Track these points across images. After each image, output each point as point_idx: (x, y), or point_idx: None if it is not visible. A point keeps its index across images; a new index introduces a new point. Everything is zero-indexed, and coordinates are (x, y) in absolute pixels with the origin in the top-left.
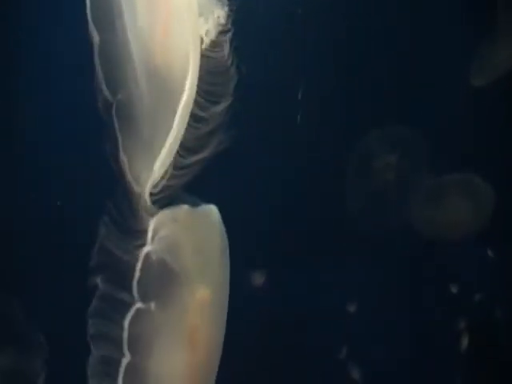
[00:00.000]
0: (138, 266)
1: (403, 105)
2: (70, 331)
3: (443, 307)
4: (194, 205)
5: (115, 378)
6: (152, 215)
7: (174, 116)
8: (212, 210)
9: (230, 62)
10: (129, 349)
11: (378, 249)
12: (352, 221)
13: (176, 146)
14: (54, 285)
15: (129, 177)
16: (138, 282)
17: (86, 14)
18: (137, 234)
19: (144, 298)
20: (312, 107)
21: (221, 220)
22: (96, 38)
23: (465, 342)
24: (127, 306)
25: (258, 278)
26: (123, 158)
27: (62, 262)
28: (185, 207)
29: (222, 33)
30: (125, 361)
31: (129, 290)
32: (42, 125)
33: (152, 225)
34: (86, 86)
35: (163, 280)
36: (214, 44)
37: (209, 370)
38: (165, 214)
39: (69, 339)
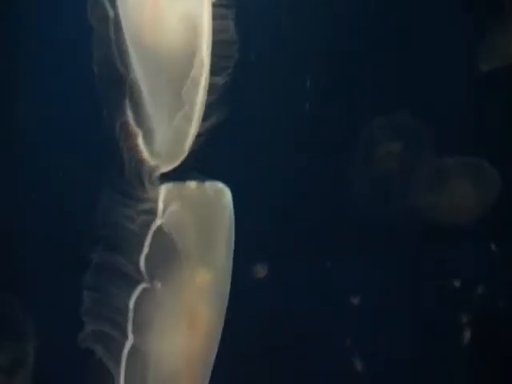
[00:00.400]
0: (147, 240)
1: (408, 90)
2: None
3: (445, 301)
4: (206, 184)
5: (116, 358)
6: (163, 190)
7: (191, 87)
8: (224, 190)
9: (232, 35)
10: (133, 330)
11: (380, 241)
12: (355, 210)
13: (200, 117)
14: (50, 281)
15: (143, 150)
16: (146, 258)
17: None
18: (145, 208)
19: (150, 276)
20: (314, 94)
21: (231, 203)
22: (110, 12)
23: (467, 335)
24: (132, 283)
25: (260, 272)
26: (137, 131)
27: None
28: (197, 184)
29: (224, 6)
30: (128, 343)
31: (135, 266)
32: (43, 108)
33: (162, 199)
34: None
35: (167, 258)
36: (217, 16)
37: (207, 355)
38: (176, 189)
39: (65, 335)
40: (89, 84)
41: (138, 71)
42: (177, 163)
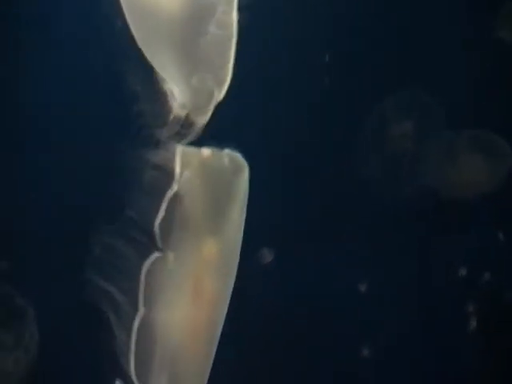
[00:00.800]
0: (163, 205)
1: (419, 66)
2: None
3: (454, 287)
4: (225, 153)
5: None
6: (179, 152)
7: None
8: (243, 164)
9: None
10: (144, 301)
11: (391, 223)
12: (366, 188)
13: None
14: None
15: (172, 101)
16: (160, 224)
17: None
18: (161, 171)
19: (162, 243)
20: (327, 71)
21: (248, 178)
22: None
23: (476, 323)
24: (144, 251)
25: (266, 257)
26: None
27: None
28: (215, 152)
29: None
30: (139, 313)
31: (149, 231)
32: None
33: (179, 162)
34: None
35: (178, 225)
36: None
37: (212, 329)
38: (193, 153)
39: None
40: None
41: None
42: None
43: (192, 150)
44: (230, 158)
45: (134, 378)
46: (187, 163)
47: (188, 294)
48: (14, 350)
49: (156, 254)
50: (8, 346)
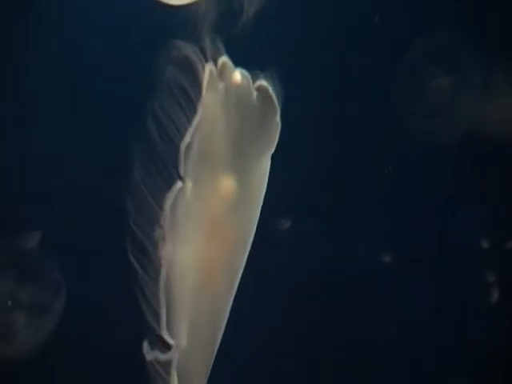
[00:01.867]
0: (190, 130)
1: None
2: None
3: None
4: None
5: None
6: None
7: None
8: (276, 105)
9: None
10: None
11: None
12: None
13: None
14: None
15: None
16: (186, 151)
17: None
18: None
19: (184, 171)
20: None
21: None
22: None
23: (495, 294)
24: (169, 180)
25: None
26: None
27: None
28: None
29: None
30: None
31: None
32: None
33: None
34: None
35: (198, 153)
36: None
37: (229, 272)
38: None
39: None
40: None
41: None
42: None
43: (226, 67)
44: (265, 94)
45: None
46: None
47: (203, 231)
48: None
49: (179, 185)
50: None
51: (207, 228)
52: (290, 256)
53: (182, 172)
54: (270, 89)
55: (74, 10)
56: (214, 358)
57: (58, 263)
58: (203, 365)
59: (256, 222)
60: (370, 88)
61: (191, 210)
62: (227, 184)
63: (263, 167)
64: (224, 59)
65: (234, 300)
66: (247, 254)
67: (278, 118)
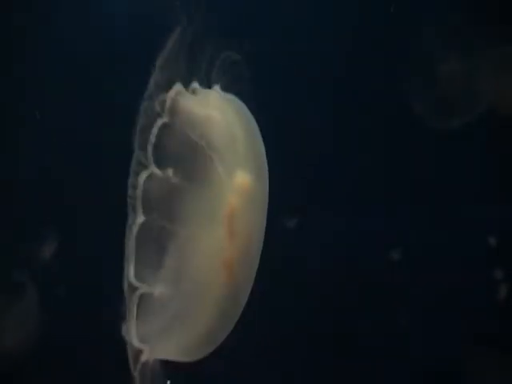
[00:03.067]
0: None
1: None
2: None
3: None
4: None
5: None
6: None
7: None
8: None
9: None
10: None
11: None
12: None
13: None
14: None
15: None
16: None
17: None
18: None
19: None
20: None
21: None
22: None
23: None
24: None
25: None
26: None
27: None
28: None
29: None
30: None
31: None
32: None
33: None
34: None
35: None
36: None
37: (246, 262)
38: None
39: None
40: None
41: None
42: None
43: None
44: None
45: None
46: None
47: (222, 222)
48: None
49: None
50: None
51: (226, 220)
52: (294, 254)
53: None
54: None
55: None
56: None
57: None
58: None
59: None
60: (379, 80)
61: (206, 203)
62: (245, 179)
63: (263, 166)
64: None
65: None
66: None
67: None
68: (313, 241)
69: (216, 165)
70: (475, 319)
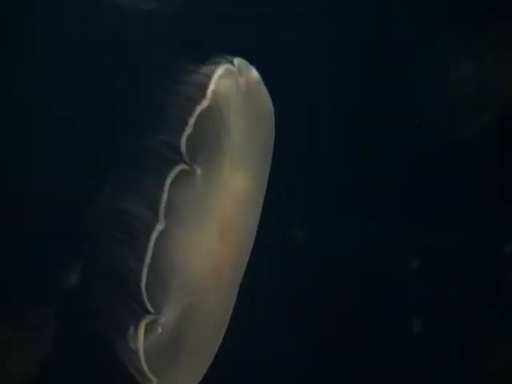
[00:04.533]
0: (192, 120)
1: None
2: None
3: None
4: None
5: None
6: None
7: None
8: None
9: None
10: (165, 214)
11: None
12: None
13: None
14: None
15: None
16: (188, 139)
17: None
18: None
19: (190, 158)
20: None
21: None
22: None
23: None
24: (171, 164)
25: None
26: None
27: None
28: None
29: None
30: (159, 227)
31: (176, 145)
32: None
33: (216, 79)
34: None
35: (212, 146)
36: None
37: (236, 266)
38: (236, 72)
39: None
40: None
41: None
42: None
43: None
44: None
45: (145, 299)
46: (226, 81)
47: (215, 222)
48: None
49: (182, 166)
50: None
51: (218, 222)
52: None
53: (186, 157)
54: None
55: None
56: (205, 359)
57: None
58: (186, 361)
59: (257, 223)
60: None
61: (200, 199)
62: (241, 181)
63: (266, 169)
64: (240, 60)
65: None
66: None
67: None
68: (316, 246)
69: (225, 163)
70: (475, 319)
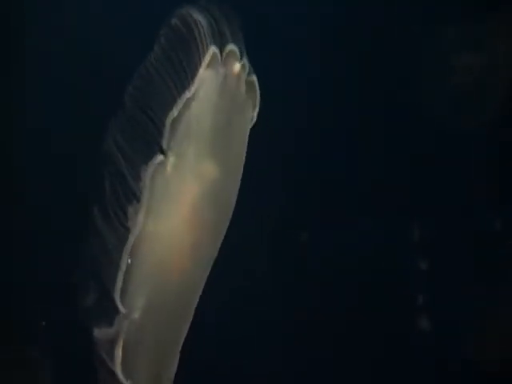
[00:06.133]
0: (178, 105)
1: None
2: None
3: None
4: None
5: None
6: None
7: None
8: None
9: None
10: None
11: None
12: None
13: None
14: None
15: None
16: (172, 124)
17: None
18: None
19: (168, 145)
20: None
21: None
22: None
23: None
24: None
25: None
26: None
27: None
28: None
29: None
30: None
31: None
32: None
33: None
34: None
35: (183, 133)
36: None
37: (202, 255)
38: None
39: None
40: None
41: None
42: None
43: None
44: (252, 87)
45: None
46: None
47: (182, 211)
48: None
49: (160, 157)
50: None
51: (186, 209)
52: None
53: (164, 145)
54: (257, 84)
55: None
56: (175, 349)
57: None
58: (156, 352)
59: (231, 213)
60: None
61: (170, 186)
62: (211, 169)
63: (241, 160)
64: (232, 47)
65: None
66: (221, 243)
67: (255, 113)
68: (316, 246)
69: (191, 146)
70: (475, 319)
